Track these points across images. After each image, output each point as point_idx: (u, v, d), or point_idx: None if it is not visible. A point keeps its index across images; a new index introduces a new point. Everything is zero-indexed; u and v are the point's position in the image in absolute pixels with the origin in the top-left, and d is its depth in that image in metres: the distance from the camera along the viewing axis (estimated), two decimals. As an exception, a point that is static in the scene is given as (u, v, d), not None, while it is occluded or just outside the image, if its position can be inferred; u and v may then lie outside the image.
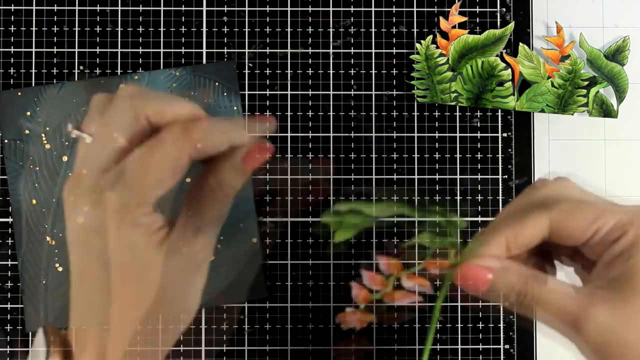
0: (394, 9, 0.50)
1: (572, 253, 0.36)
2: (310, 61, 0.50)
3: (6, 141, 0.48)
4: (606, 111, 0.49)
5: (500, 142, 0.49)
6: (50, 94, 0.48)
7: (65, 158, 0.48)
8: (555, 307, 0.32)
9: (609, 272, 0.32)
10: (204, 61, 0.49)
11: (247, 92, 0.49)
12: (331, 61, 0.50)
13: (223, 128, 0.34)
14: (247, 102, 0.49)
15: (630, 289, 0.31)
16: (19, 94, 0.48)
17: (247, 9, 0.50)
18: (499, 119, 0.49)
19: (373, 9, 0.50)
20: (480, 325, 0.48)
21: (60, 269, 0.47)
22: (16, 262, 0.49)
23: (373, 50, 0.50)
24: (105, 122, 0.32)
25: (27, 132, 0.48)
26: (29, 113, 0.48)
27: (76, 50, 0.49)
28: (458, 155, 0.49)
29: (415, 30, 0.50)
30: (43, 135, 0.48)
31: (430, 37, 0.49)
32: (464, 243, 0.36)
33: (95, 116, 0.32)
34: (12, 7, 0.49)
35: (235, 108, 0.48)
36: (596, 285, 0.32)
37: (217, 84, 0.48)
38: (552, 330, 0.33)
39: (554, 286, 0.33)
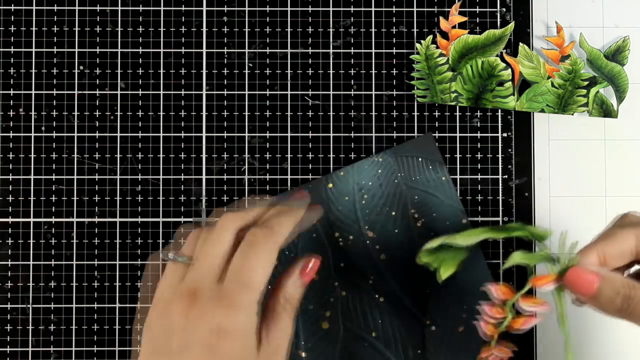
0: (394, 9, 0.50)
1: None
2: (310, 61, 0.50)
3: None
4: (606, 111, 0.49)
5: (500, 142, 0.49)
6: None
7: None
8: None
9: None
10: (204, 61, 0.49)
11: (247, 92, 0.49)
12: (331, 61, 0.50)
13: (295, 219, 0.39)
14: (247, 102, 0.49)
15: None
16: None
17: (247, 9, 0.50)
18: (499, 119, 0.49)
19: (373, 9, 0.50)
20: (480, 325, 0.49)
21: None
22: (16, 262, 0.49)
23: (373, 50, 0.50)
24: (206, 252, 0.37)
25: None
26: None
27: (76, 50, 0.49)
28: (458, 155, 0.49)
29: (415, 30, 0.50)
30: None
31: (430, 37, 0.49)
32: (559, 254, 0.39)
33: (194, 246, 0.39)
34: (12, 7, 0.49)
35: (443, 178, 0.48)
36: None
37: (420, 159, 0.48)
38: None
39: None
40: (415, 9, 0.50)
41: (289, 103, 0.49)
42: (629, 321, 0.37)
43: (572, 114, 0.49)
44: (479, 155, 0.49)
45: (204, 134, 0.49)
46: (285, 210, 0.40)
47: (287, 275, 0.40)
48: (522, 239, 0.42)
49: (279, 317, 0.38)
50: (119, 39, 0.49)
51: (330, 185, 0.48)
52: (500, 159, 0.49)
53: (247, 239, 0.37)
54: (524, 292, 0.40)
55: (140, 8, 0.50)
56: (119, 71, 0.49)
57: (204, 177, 0.49)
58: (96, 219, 0.49)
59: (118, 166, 0.49)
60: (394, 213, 0.48)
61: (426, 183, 0.48)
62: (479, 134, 0.49)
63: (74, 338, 0.48)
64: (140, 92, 0.49)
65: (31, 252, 0.49)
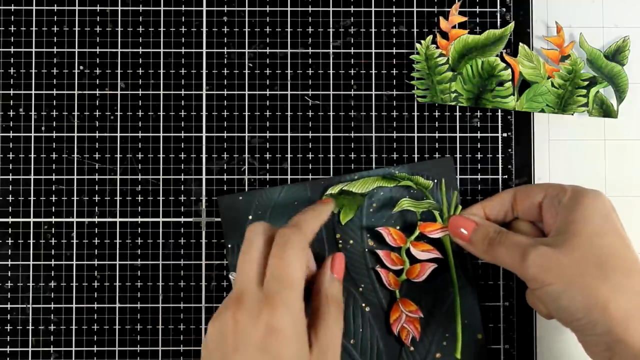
0: (394, 9, 0.50)
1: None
2: (310, 61, 0.50)
3: (229, 246, 0.48)
4: (606, 111, 0.49)
5: (500, 142, 0.49)
6: (271, 197, 0.48)
7: None
8: (512, 245, 0.41)
9: (555, 224, 0.41)
10: (204, 61, 0.49)
11: (247, 92, 0.49)
12: (331, 61, 0.50)
13: (316, 216, 0.42)
14: (247, 102, 0.49)
15: (572, 232, 0.40)
16: (240, 198, 0.48)
17: (247, 9, 0.50)
18: (499, 119, 0.49)
19: (373, 9, 0.50)
20: (480, 325, 0.49)
21: None
22: (16, 262, 0.49)
23: (373, 50, 0.50)
24: (242, 260, 0.39)
25: None
26: (250, 217, 0.48)
27: (76, 50, 0.49)
28: (458, 155, 0.49)
29: (415, 30, 0.50)
30: None
31: (430, 37, 0.49)
32: (444, 203, 0.47)
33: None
34: (12, 7, 0.49)
35: (454, 204, 0.47)
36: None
37: (435, 180, 0.48)
38: (505, 266, 0.42)
39: (516, 234, 0.42)
40: (415, 9, 0.50)
41: (289, 103, 0.49)
42: (494, 262, 0.42)
43: (572, 114, 0.49)
44: (479, 155, 0.49)
45: (204, 134, 0.49)
46: (309, 209, 0.42)
47: (321, 275, 0.42)
48: (410, 187, 0.48)
49: (323, 316, 0.39)
50: (119, 39, 0.49)
51: (339, 188, 0.48)
52: (500, 159, 0.49)
53: (277, 240, 0.39)
54: (414, 239, 0.47)
55: (140, 8, 0.50)
56: (119, 71, 0.49)
57: (204, 177, 0.49)
58: (96, 219, 0.49)
59: (118, 166, 0.49)
60: (398, 227, 0.48)
61: (435, 205, 0.48)
62: (479, 134, 0.49)
63: (74, 338, 0.48)
64: (140, 92, 0.49)
65: (31, 252, 0.49)
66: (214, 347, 0.37)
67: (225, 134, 0.49)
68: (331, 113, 0.49)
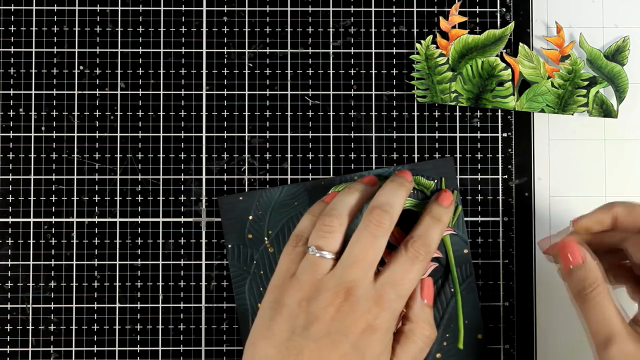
0: (394, 9, 0.50)
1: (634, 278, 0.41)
2: (310, 61, 0.50)
3: (229, 246, 0.48)
4: (606, 111, 0.49)
5: (500, 142, 0.49)
6: (271, 198, 0.48)
7: None
8: (599, 317, 0.36)
9: None
10: (204, 61, 0.49)
11: (247, 92, 0.49)
12: (331, 61, 0.50)
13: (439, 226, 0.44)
14: (247, 102, 0.49)
15: None
16: (241, 198, 0.48)
17: (247, 9, 0.50)
18: (499, 119, 0.49)
19: (373, 9, 0.50)
20: (480, 325, 0.49)
21: None
22: (16, 262, 0.49)
23: (373, 50, 0.50)
24: (367, 259, 0.40)
25: (250, 236, 0.48)
26: (251, 217, 0.48)
27: (76, 50, 0.49)
28: (458, 155, 0.49)
29: (415, 30, 0.50)
30: (266, 239, 0.48)
31: (430, 37, 0.49)
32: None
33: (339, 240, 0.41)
34: (12, 7, 0.50)
35: (454, 204, 0.47)
36: None
37: (435, 180, 0.48)
38: (587, 337, 0.38)
39: (611, 300, 0.37)
40: (415, 9, 0.50)
41: (289, 103, 0.49)
42: (574, 301, 0.39)
43: (572, 114, 0.49)
44: (479, 155, 0.49)
45: (204, 134, 0.49)
46: (436, 220, 0.43)
47: (411, 300, 0.42)
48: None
49: (412, 339, 0.40)
50: (119, 39, 0.49)
51: (342, 187, 0.48)
52: (500, 159, 0.49)
53: (410, 253, 0.40)
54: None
55: (140, 8, 0.50)
56: (119, 71, 0.49)
57: (204, 177, 0.49)
58: (96, 219, 0.49)
59: (118, 166, 0.49)
60: (399, 227, 0.48)
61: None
62: (479, 134, 0.49)
63: (74, 338, 0.48)
64: (140, 92, 0.49)
65: (31, 252, 0.49)
66: (300, 325, 0.37)
67: (225, 134, 0.49)
68: (331, 113, 0.49)
